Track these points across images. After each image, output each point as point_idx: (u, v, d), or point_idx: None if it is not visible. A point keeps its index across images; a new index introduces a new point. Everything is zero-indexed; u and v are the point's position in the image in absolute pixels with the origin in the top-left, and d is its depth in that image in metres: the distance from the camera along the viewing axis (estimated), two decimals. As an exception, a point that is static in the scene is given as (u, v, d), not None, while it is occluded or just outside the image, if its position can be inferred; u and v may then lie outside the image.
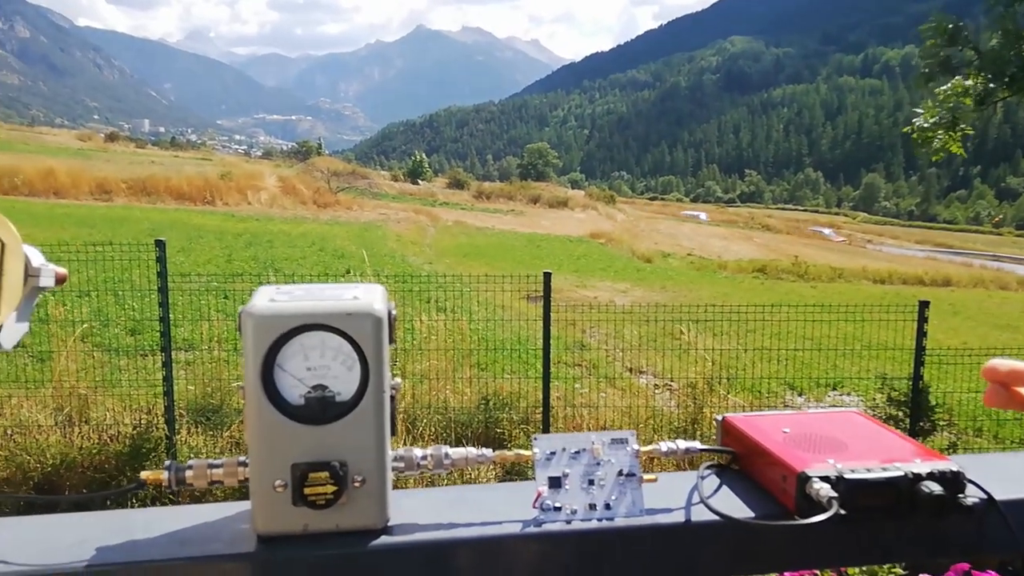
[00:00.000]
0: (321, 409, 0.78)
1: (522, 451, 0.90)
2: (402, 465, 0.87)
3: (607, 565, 0.83)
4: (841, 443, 0.91)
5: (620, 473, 0.87)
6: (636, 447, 0.89)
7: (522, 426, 6.90)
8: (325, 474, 0.77)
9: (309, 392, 0.78)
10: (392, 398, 0.82)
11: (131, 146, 75.91)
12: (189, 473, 0.83)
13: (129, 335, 9.15)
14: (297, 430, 0.77)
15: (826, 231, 73.13)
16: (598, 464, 0.88)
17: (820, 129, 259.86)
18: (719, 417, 1.00)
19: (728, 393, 7.61)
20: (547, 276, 6.62)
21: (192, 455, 6.20)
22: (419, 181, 73.58)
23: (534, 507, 0.84)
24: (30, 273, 0.89)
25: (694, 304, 8.80)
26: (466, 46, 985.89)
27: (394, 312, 0.83)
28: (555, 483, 0.86)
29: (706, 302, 8.65)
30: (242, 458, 0.82)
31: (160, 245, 6.30)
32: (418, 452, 0.88)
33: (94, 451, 6.01)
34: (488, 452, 0.90)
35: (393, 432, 0.83)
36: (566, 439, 0.89)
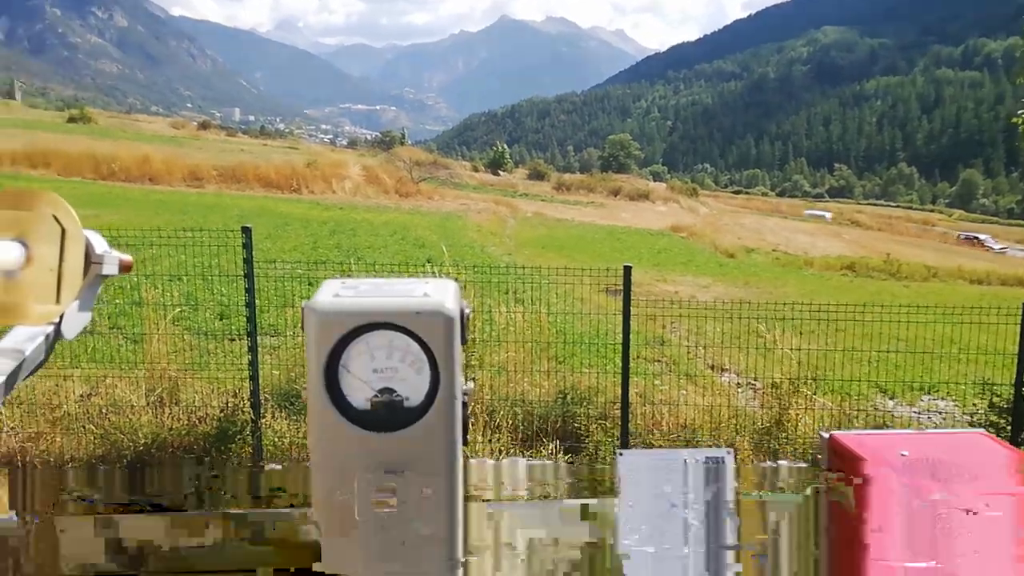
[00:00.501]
0: (388, 415, 0.73)
1: (609, 468, 0.85)
2: (473, 477, 0.82)
3: None
4: (966, 472, 0.80)
5: (715, 496, 0.81)
6: (733, 467, 0.84)
7: (600, 421, 6.83)
8: (392, 484, 0.73)
9: (376, 396, 0.73)
10: (464, 404, 0.76)
11: (222, 134, 78.44)
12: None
13: (218, 319, 9.42)
14: (362, 437, 0.73)
15: (982, 236, 61.81)
16: (689, 484, 0.82)
17: (915, 123, 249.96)
18: (824, 434, 0.92)
19: (815, 394, 7.36)
20: (627, 270, 6.52)
21: (276, 439, 6.35)
22: (500, 172, 73.87)
23: (619, 526, 0.78)
24: (92, 260, 0.88)
25: (779, 301, 8.55)
26: (550, 36, 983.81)
27: (468, 310, 0.77)
28: (643, 503, 0.80)
29: (791, 299, 8.40)
30: (306, 463, 0.78)
31: (247, 232, 6.44)
32: (491, 464, 0.84)
33: (183, 432, 6.21)
34: (567, 467, 0.85)
35: (465, 442, 0.78)
36: (655, 457, 0.84)
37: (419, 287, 0.76)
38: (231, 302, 8.95)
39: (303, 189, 34.24)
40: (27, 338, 0.87)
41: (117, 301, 9.02)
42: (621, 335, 6.69)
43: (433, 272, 9.06)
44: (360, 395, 0.74)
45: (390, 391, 0.73)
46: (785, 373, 7.48)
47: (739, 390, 8.24)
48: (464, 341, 0.76)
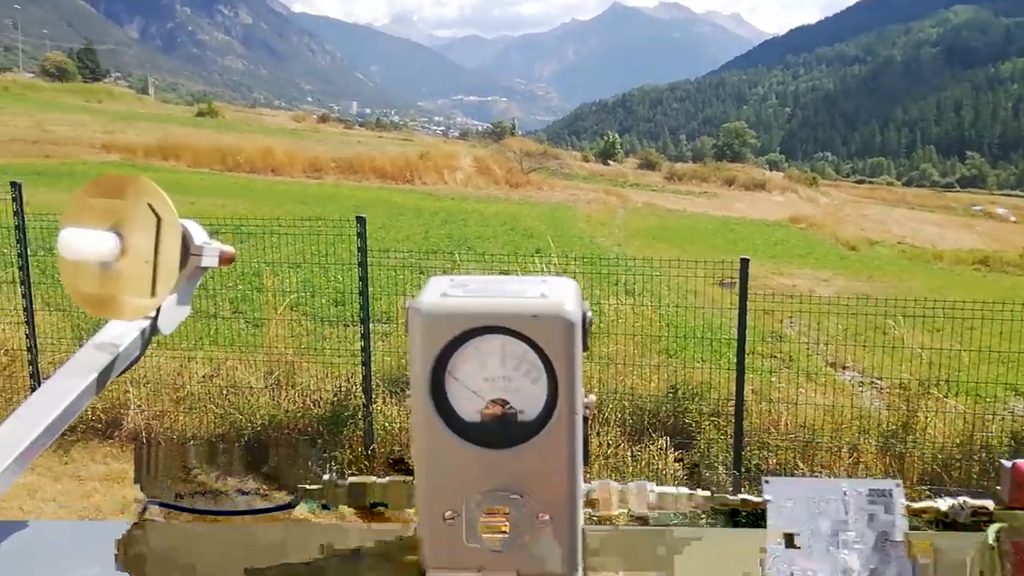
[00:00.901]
0: (501, 429, 0.66)
1: (751, 497, 0.73)
2: (596, 503, 0.73)
3: None
4: None
5: (881, 535, 0.69)
6: (903, 502, 0.70)
7: (712, 418, 6.65)
8: (504, 507, 0.66)
9: (487, 408, 0.66)
10: (585, 419, 0.68)
11: (340, 127, 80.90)
12: (349, 491, 0.74)
13: (334, 305, 9.69)
14: (472, 453, 0.66)
15: None
16: (851, 521, 0.69)
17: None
18: (1007, 463, 0.76)
19: (946, 396, 6.93)
20: (744, 262, 6.31)
21: (387, 424, 6.47)
22: (610, 162, 73.27)
23: (764, 570, 0.68)
24: (191, 252, 0.84)
25: (905, 297, 8.10)
26: (663, 22, 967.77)
27: (589, 314, 0.69)
28: (791, 541, 0.69)
29: (919, 295, 7.92)
30: (410, 478, 0.72)
31: (361, 221, 6.57)
32: (616, 486, 0.73)
33: (298, 414, 6.42)
34: (706, 494, 0.73)
35: (585, 460, 0.69)
36: (808, 486, 0.71)
37: (535, 287, 0.69)
38: (346, 289, 9.18)
39: (416, 180, 34.91)
40: (122, 332, 0.84)
41: (239, 287, 9.40)
42: (735, 329, 6.48)
43: (542, 263, 9.03)
44: (469, 406, 0.66)
45: (502, 403, 0.66)
46: (913, 373, 7.07)
47: (862, 389, 7.86)
48: (585, 347, 0.68)
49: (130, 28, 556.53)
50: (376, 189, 30.99)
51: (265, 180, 30.52)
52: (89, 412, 6.56)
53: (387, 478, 0.74)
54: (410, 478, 0.71)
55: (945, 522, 0.74)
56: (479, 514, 0.66)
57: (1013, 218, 52.80)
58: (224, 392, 6.80)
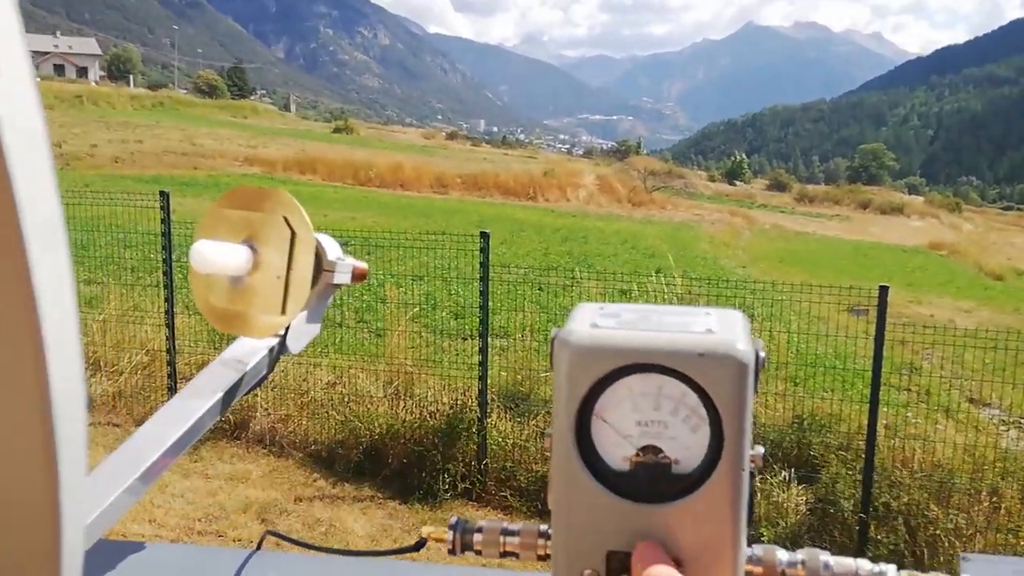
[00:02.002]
0: (652, 481, 0.58)
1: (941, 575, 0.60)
2: (759, 570, 0.63)
3: None
4: None
5: None
6: None
7: (839, 452, 6.32)
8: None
9: (637, 456, 0.59)
10: (752, 475, 0.59)
11: (467, 144, 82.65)
12: (478, 537, 0.67)
13: (453, 318, 9.84)
14: (618, 506, 0.58)
15: None
16: None
17: None
18: None
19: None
20: (883, 290, 5.99)
21: (500, 439, 6.48)
22: (736, 182, 71.62)
23: None
24: (324, 268, 0.81)
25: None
26: (797, 42, 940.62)
27: (763, 354, 0.60)
28: None
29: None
30: (544, 527, 0.64)
31: (484, 237, 6.64)
32: (784, 556, 0.63)
33: (415, 424, 6.52)
34: (890, 569, 0.61)
35: (750, 522, 0.60)
36: (1016, 565, 0.61)
37: (700, 320, 0.61)
38: (466, 303, 9.31)
39: (539, 197, 35.16)
40: (250, 350, 0.82)
41: (364, 297, 9.68)
42: (866, 359, 6.15)
43: (662, 283, 8.87)
44: (617, 452, 0.58)
45: (656, 450, 0.58)
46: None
47: (1005, 429, 7.31)
48: (755, 391, 0.60)
49: (276, 48, 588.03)
50: (499, 205, 31.40)
51: (394, 194, 31.46)
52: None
53: (520, 524, 0.67)
54: (546, 527, 0.65)
55: None
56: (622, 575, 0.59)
57: None
58: (345, 399, 6.99)
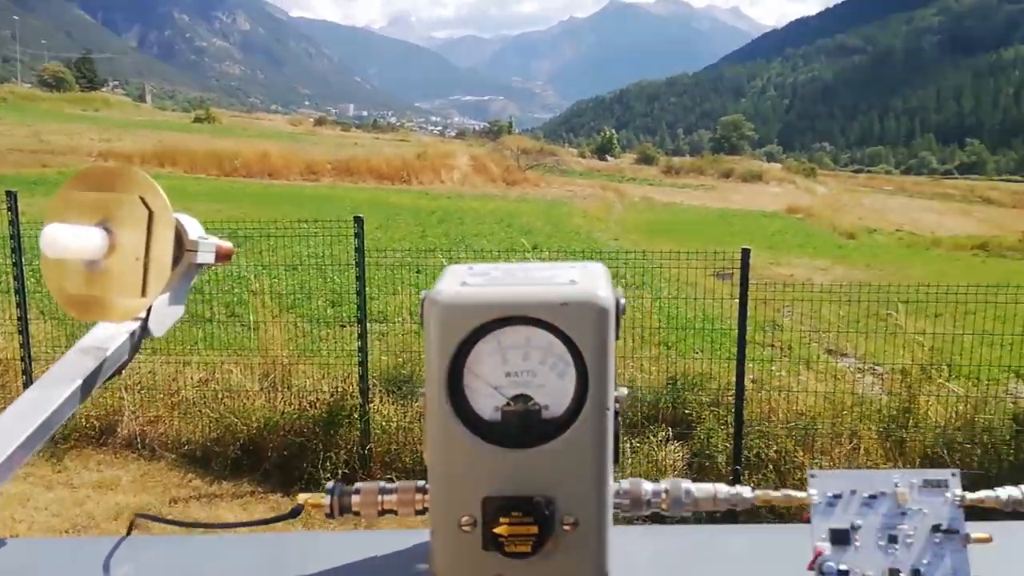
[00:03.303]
0: (523, 428, 0.61)
1: (794, 492, 0.69)
2: (627, 502, 0.67)
3: None
4: None
5: (936, 528, 0.64)
6: (959, 493, 0.66)
7: (712, 408, 6.63)
8: (526, 514, 0.60)
9: (507, 405, 0.61)
10: (617, 415, 0.63)
11: (337, 129, 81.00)
12: (356, 499, 0.68)
13: (330, 307, 9.67)
14: (491, 454, 0.61)
15: None
16: (903, 514, 0.65)
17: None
18: None
19: (947, 380, 6.91)
20: (745, 252, 6.29)
21: (384, 424, 6.45)
22: (607, 157, 73.21)
23: (810, 569, 0.63)
24: (186, 247, 0.79)
25: (903, 283, 8.07)
26: (660, 18, 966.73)
27: (623, 301, 0.64)
28: (841, 539, 0.64)
29: (917, 281, 7.91)
30: (421, 483, 0.66)
31: (358, 221, 6.55)
32: (648, 487, 0.68)
33: (294, 416, 6.39)
34: (745, 491, 0.68)
35: (616, 459, 0.64)
36: (856, 478, 0.67)
37: (563, 273, 0.64)
38: (343, 290, 9.16)
39: (413, 180, 34.89)
40: (110, 335, 0.78)
41: (235, 290, 9.39)
42: (735, 319, 6.46)
43: (538, 259, 9.02)
44: (489, 403, 0.61)
45: (526, 399, 0.61)
46: (912, 358, 7.06)
47: (861, 376, 7.83)
48: (616, 336, 0.63)
49: (128, 36, 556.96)
50: (372, 190, 30.97)
51: (262, 183, 30.50)
52: (83, 419, 6.55)
53: (397, 483, 0.69)
54: (423, 482, 0.66)
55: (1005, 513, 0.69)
56: (498, 519, 0.61)
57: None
58: (219, 396, 6.78)
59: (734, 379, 6.35)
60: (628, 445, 6.27)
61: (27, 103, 63.18)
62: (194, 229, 0.80)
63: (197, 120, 65.51)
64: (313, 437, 6.19)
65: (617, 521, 0.66)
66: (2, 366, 7.20)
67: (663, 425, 6.47)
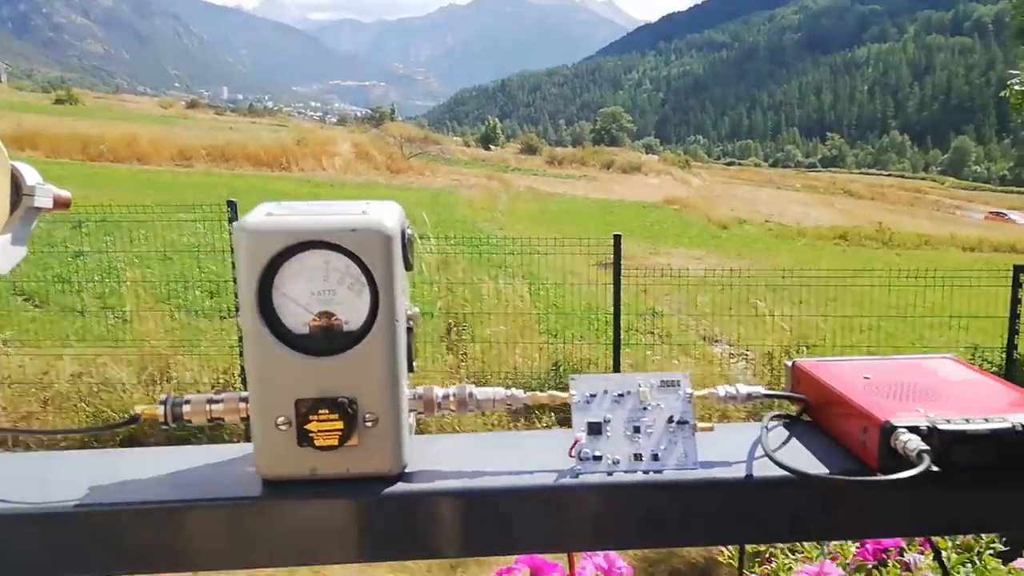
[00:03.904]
0: (327, 339, 0.70)
1: (558, 393, 0.81)
2: (420, 405, 0.77)
3: (654, 522, 0.74)
4: (934, 390, 0.79)
5: (671, 420, 0.77)
6: (689, 391, 0.79)
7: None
8: (332, 412, 0.69)
9: (315, 320, 0.70)
10: (409, 330, 0.74)
11: (210, 113, 77.81)
12: (187, 408, 0.75)
13: (208, 297, 9.37)
14: (301, 362, 0.69)
15: (1011, 213, 56.60)
16: (645, 409, 0.78)
17: (907, 90, 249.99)
18: (789, 363, 0.89)
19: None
20: (617, 239, 6.51)
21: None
22: (491, 147, 73.54)
23: (570, 455, 0.75)
24: (24, 193, 0.85)
25: (771, 271, 8.54)
26: (540, 8, 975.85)
27: (410, 231, 0.75)
28: (595, 429, 0.76)
29: (784, 269, 8.41)
30: (244, 393, 0.74)
31: (232, 207, 6.39)
32: (439, 391, 0.78)
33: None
34: (519, 393, 0.79)
35: (410, 368, 0.75)
36: (609, 380, 0.79)
37: (358, 206, 0.73)
38: (220, 280, 8.90)
39: (293, 167, 34.02)
40: None
41: (107, 281, 8.96)
42: (612, 306, 6.67)
43: (424, 247, 9.02)
44: (297, 320, 0.70)
45: (329, 315, 0.70)
46: (778, 342, 7.49)
47: (733, 360, 8.24)
48: (408, 266, 0.74)
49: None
50: (251, 176, 30.04)
51: (130, 169, 29.04)
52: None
53: (223, 394, 0.76)
54: (245, 393, 0.73)
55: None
56: (308, 418, 0.69)
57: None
58: (95, 390, 6.48)
59: (611, 364, 6.58)
60: (515, 427, 6.40)
61: None
62: (31, 176, 0.86)
63: (58, 101, 61.52)
64: (197, 429, 6.01)
65: (419, 425, 0.79)
66: None
67: (547, 411, 6.63)
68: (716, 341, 8.86)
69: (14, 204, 0.83)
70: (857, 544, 1.26)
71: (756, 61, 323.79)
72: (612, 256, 6.70)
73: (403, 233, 0.73)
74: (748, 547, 1.26)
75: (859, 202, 54.43)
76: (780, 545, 1.28)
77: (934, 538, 1.06)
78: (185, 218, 7.75)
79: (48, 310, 8.33)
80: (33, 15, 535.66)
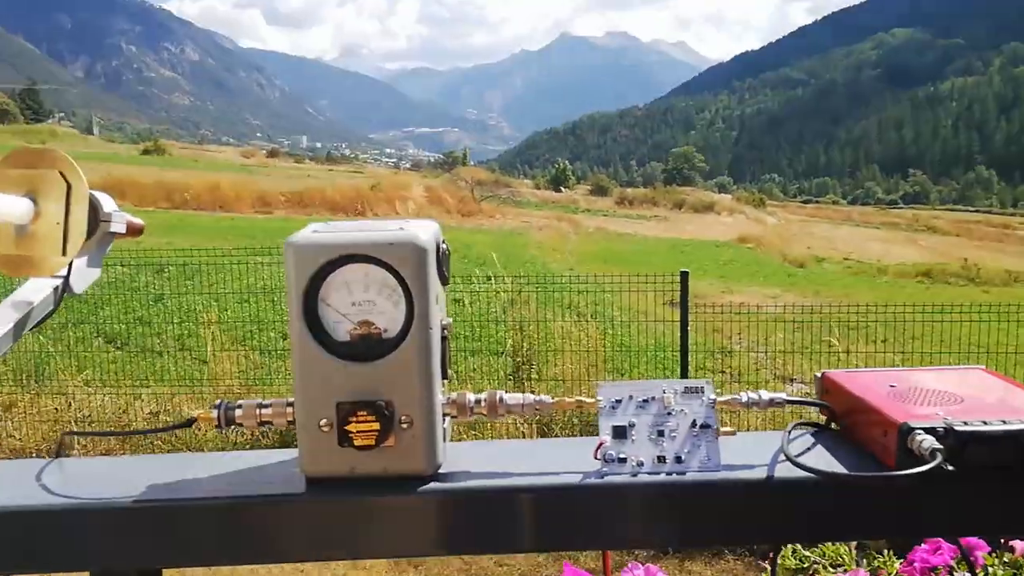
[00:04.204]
0: (366, 346, 0.76)
1: (585, 399, 0.85)
2: (454, 409, 0.82)
3: (677, 522, 0.78)
4: (957, 397, 0.80)
5: (694, 424, 0.80)
6: (712, 396, 0.82)
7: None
8: (370, 414, 0.74)
9: (355, 328, 0.76)
10: (444, 339, 0.79)
11: (290, 161, 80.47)
12: (238, 412, 0.82)
13: (282, 339, 9.59)
14: (342, 367, 0.75)
15: None
16: (669, 414, 0.81)
17: (993, 124, 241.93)
18: (818, 374, 0.90)
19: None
20: (684, 275, 6.44)
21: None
22: (562, 188, 73.88)
23: (595, 457, 0.78)
24: (100, 218, 0.93)
25: (849, 306, 8.28)
26: (610, 51, 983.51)
27: (444, 246, 0.80)
28: (620, 433, 0.80)
29: (863, 306, 8.14)
30: (290, 399, 0.80)
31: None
32: (471, 396, 0.83)
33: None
34: (547, 399, 0.84)
35: (444, 375, 0.80)
36: (634, 387, 0.83)
37: (396, 223, 0.79)
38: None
39: (367, 211, 34.80)
40: (37, 289, 0.93)
41: (186, 324, 9.27)
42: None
43: (493, 286, 9.09)
44: (340, 328, 0.76)
45: (369, 324, 0.76)
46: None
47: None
48: (444, 280, 0.80)
49: (74, 67, 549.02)
50: (327, 221, 30.79)
51: (212, 216, 30.18)
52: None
53: (271, 399, 0.82)
54: (291, 399, 0.79)
55: None
56: (348, 419, 0.75)
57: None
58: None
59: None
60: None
61: (-30, 135, 61.77)
62: (108, 203, 0.95)
63: (146, 152, 64.54)
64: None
65: (454, 430, 0.85)
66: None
67: (575, 431, 6.54)
68: (790, 380, 8.62)
69: (92, 229, 0.92)
70: (902, 561, 1.22)
71: (833, 97, 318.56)
72: (671, 287, 6.63)
73: (437, 247, 0.78)
74: (791, 563, 1.25)
75: (944, 239, 52.57)
76: (822, 561, 1.25)
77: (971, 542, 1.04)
78: (262, 261, 7.99)
79: (128, 351, 8.65)
80: (125, 70, 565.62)
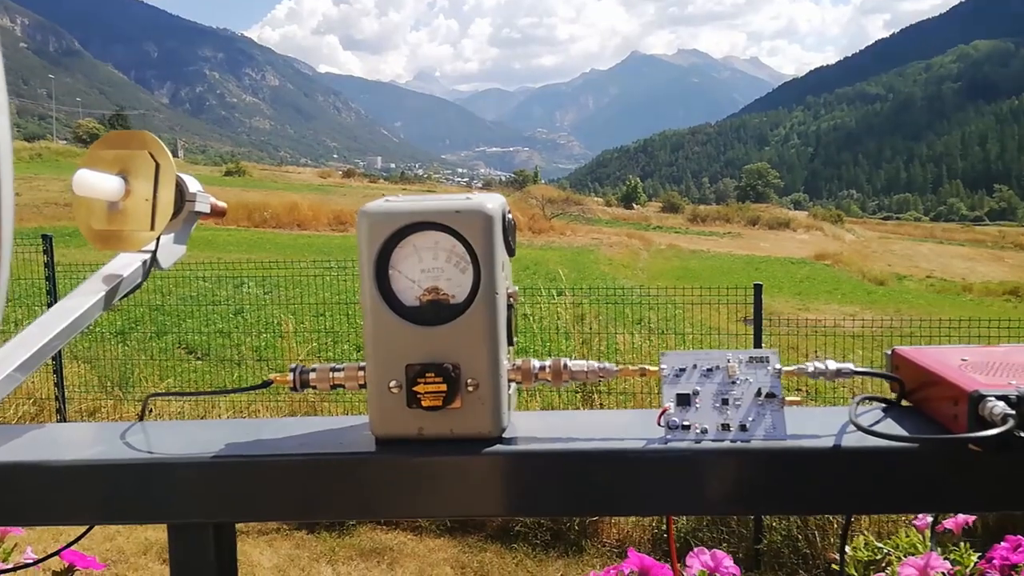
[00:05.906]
0: (434, 311, 0.78)
1: (649, 367, 0.85)
2: (519, 375, 0.84)
3: (740, 489, 0.77)
4: None
5: (759, 394, 0.79)
6: (778, 366, 0.81)
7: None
8: (437, 376, 0.77)
9: (424, 294, 0.78)
10: (510, 306, 0.81)
11: (365, 181, 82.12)
12: (313, 375, 0.84)
13: (355, 351, 9.77)
14: (411, 331, 0.78)
15: None
16: (734, 383, 0.80)
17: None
18: (888, 351, 0.90)
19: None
20: (758, 288, 6.30)
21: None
22: (633, 206, 73.53)
23: (659, 424, 0.78)
24: (186, 198, 0.98)
25: (931, 322, 7.98)
26: (681, 69, 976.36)
27: (510, 216, 0.82)
28: (683, 401, 0.79)
29: (947, 324, 7.84)
30: (361, 363, 0.83)
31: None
32: (536, 362, 0.84)
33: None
34: (611, 366, 0.85)
35: (510, 342, 0.82)
36: (698, 356, 0.83)
37: (464, 195, 0.80)
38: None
39: (440, 229, 35.28)
40: (127, 263, 0.99)
41: (263, 335, 9.53)
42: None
43: (561, 303, 9.09)
44: (410, 294, 0.78)
45: (437, 290, 0.78)
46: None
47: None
48: (510, 250, 0.82)
49: (160, 93, 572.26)
50: (400, 239, 31.31)
51: (291, 234, 30.99)
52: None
53: (344, 363, 0.85)
54: (362, 363, 0.82)
55: None
56: (416, 381, 0.77)
57: None
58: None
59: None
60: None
61: (62, 159, 64.80)
62: (193, 185, 1.00)
63: (228, 173, 66.85)
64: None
65: (519, 393, 0.87)
66: (37, 406, 7.34)
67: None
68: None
69: (178, 208, 0.97)
70: (979, 555, 1.17)
71: (913, 112, 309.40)
72: (744, 302, 6.50)
73: (504, 217, 0.80)
74: (863, 555, 1.21)
75: (1034, 256, 50.37)
76: (896, 552, 1.22)
77: None
78: (338, 276, 8.16)
79: (208, 362, 8.93)
80: (208, 96, 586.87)
